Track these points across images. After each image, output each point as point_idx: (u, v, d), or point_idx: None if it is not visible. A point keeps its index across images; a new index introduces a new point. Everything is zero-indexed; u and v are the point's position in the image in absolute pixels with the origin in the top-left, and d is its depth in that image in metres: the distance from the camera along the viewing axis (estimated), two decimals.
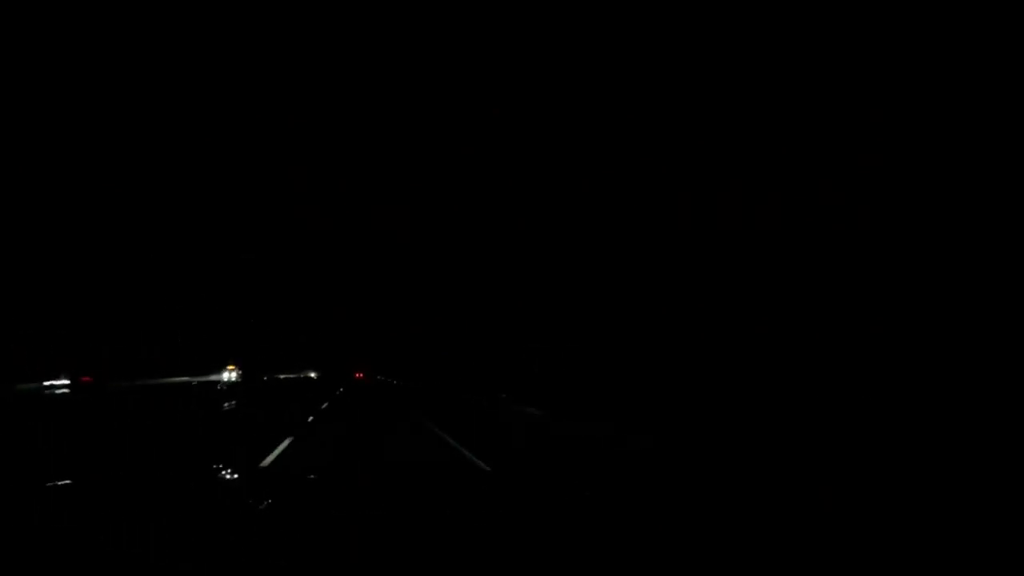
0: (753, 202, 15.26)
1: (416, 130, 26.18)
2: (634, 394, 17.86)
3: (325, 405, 25.99)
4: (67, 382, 30.98)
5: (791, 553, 1.59)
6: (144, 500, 1.99)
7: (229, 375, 48.01)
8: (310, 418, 19.16)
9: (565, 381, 23.46)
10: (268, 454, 10.88)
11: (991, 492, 6.34)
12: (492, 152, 25.55)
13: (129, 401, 25.37)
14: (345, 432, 15.26)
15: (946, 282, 10.75)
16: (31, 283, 29.22)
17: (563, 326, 26.18)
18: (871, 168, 12.27)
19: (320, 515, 1.90)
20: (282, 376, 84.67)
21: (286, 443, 12.27)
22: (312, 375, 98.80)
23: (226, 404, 25.26)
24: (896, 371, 11.08)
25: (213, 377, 48.40)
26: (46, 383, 29.77)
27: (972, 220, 10.50)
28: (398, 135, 26.98)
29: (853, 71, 12.29)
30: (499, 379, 31.03)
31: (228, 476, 2.44)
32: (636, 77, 17.79)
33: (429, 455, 11.00)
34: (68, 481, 2.11)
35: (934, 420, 9.60)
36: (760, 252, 14.95)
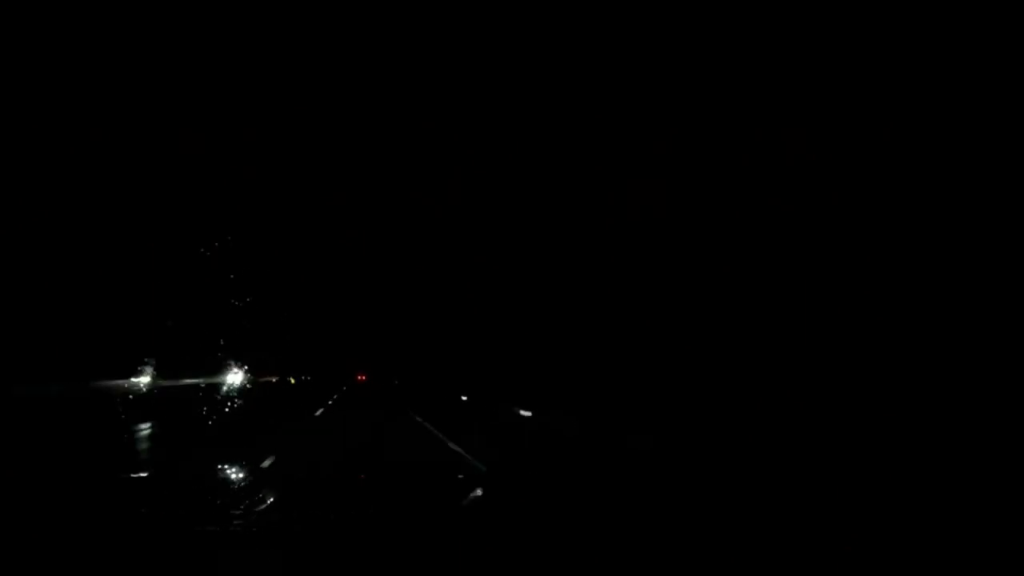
0: (750, 201, 15.25)
1: (406, 132, 26.20)
2: (630, 393, 17.85)
3: None
4: None
5: (786, 553, 1.58)
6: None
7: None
8: None
9: (566, 380, 23.43)
10: None
11: (990, 493, 6.34)
12: (491, 153, 25.54)
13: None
14: None
15: (944, 281, 10.75)
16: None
17: (563, 325, 26.16)
18: (869, 168, 12.27)
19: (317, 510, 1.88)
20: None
21: None
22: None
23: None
24: (893, 370, 11.09)
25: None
26: None
27: (970, 220, 10.49)
28: (387, 134, 27.00)
29: (853, 70, 12.29)
30: (499, 380, 30.93)
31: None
32: (630, 71, 17.79)
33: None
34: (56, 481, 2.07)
35: (932, 420, 9.60)
36: (757, 251, 14.94)
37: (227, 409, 24.08)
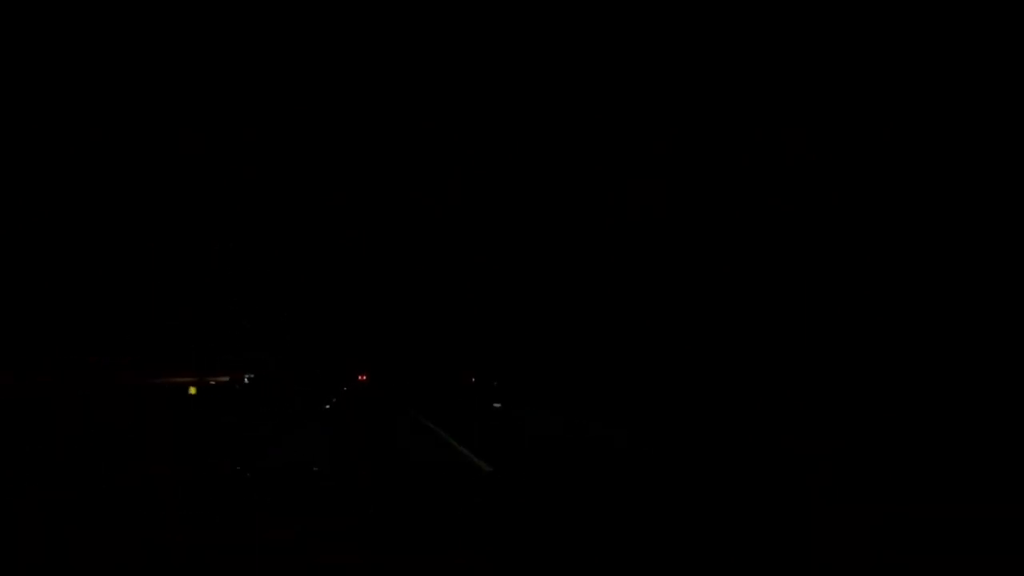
0: (750, 201, 15.26)
1: (406, 132, 26.18)
2: (626, 393, 17.87)
3: None
4: None
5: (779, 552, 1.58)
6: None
7: None
8: None
9: (567, 380, 23.43)
10: None
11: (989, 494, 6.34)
12: (491, 153, 25.54)
13: None
14: None
15: (940, 281, 10.75)
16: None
17: (563, 326, 26.15)
18: (869, 168, 12.27)
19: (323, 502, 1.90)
20: None
21: None
22: None
23: None
24: (891, 368, 11.09)
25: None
26: None
27: (968, 219, 10.50)
28: (387, 134, 27.00)
29: (853, 70, 12.29)
30: (499, 380, 30.90)
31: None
32: (631, 71, 17.79)
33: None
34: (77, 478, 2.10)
35: (930, 418, 9.61)
36: (756, 250, 14.95)
37: None
